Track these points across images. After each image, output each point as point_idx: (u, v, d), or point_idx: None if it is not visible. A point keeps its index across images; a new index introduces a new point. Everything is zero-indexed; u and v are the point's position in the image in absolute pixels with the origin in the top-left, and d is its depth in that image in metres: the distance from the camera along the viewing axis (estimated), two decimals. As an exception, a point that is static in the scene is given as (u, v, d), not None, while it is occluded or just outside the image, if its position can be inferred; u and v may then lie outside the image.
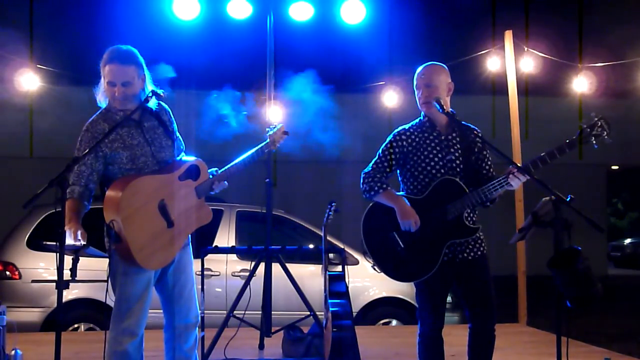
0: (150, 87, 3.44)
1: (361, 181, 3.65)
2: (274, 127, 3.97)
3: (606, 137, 3.42)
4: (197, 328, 3.62)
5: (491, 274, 3.60)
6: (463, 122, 3.54)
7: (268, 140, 3.90)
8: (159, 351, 3.80)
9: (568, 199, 3.03)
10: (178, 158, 3.57)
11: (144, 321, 3.39)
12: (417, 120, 3.70)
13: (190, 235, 3.59)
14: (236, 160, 3.67)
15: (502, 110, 7.30)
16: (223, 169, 3.62)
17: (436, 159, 3.57)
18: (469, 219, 3.56)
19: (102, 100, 3.45)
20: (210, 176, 3.58)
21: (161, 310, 3.58)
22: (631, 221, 29.82)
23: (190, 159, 3.56)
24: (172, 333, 3.53)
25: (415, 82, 3.65)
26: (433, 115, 3.62)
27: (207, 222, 3.57)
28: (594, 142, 3.42)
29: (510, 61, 6.87)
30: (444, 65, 3.69)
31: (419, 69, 3.66)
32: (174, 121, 3.62)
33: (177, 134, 3.65)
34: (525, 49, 6.85)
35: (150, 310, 3.43)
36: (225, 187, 3.64)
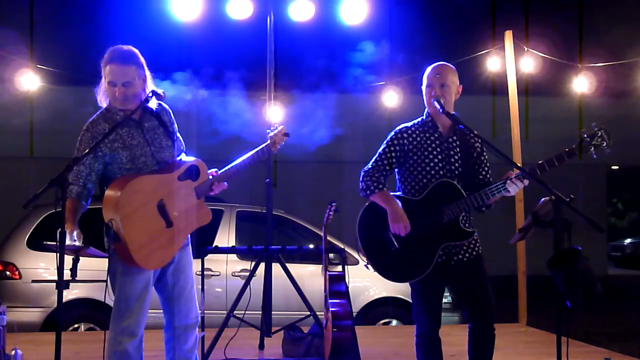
0: (150, 87, 3.44)
1: (360, 179, 3.65)
2: (275, 128, 3.94)
3: (605, 147, 3.45)
4: (197, 328, 3.61)
5: (487, 273, 3.60)
6: (463, 127, 3.54)
7: (269, 141, 3.87)
8: (158, 351, 3.80)
9: (568, 199, 3.04)
10: (178, 158, 3.57)
11: (144, 321, 3.38)
12: (419, 119, 3.70)
13: (190, 236, 3.59)
14: (236, 162, 3.66)
15: (502, 110, 7.30)
16: (223, 170, 3.61)
17: (436, 160, 3.57)
18: (465, 222, 3.56)
19: (102, 100, 3.46)
20: (210, 177, 3.58)
21: (161, 310, 3.58)
22: (631, 221, 29.78)
23: (190, 159, 3.56)
24: (172, 333, 3.53)
25: (427, 80, 3.61)
26: (437, 116, 3.62)
27: (207, 223, 3.57)
28: (593, 152, 3.45)
29: (510, 61, 6.87)
30: (454, 68, 3.69)
31: (433, 67, 3.64)
32: (175, 121, 3.62)
33: (178, 134, 3.65)
34: (525, 49, 6.85)
35: (150, 310, 3.44)
36: (224, 188, 3.64)
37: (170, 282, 3.50)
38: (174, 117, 3.61)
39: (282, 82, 5.69)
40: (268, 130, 3.96)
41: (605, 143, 3.44)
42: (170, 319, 3.53)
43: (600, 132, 3.45)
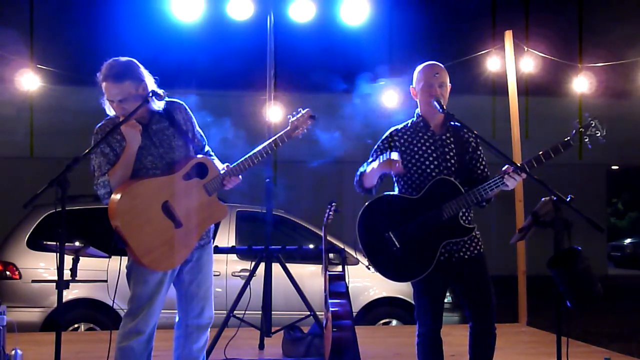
0: (154, 88, 3.41)
1: (355, 181, 3.66)
2: (298, 112, 3.70)
3: (600, 137, 3.46)
4: (209, 329, 3.60)
5: (489, 273, 3.60)
6: (460, 124, 3.54)
7: (289, 127, 3.65)
8: (162, 350, 3.81)
9: (568, 199, 3.04)
10: (201, 154, 3.56)
11: (153, 320, 3.39)
12: (409, 120, 3.71)
13: (212, 234, 3.61)
14: (250, 153, 3.57)
15: (502, 110, 7.30)
16: (234, 164, 3.54)
17: (430, 159, 3.57)
18: (465, 218, 3.55)
19: (109, 109, 3.46)
20: (223, 171, 3.52)
21: (166, 311, 3.57)
22: (631, 221, 29.79)
23: (199, 157, 3.54)
24: (184, 331, 3.53)
25: (424, 80, 3.60)
26: (428, 115, 3.63)
27: (222, 219, 3.57)
28: (588, 142, 3.47)
29: (510, 61, 6.88)
30: None
31: (429, 66, 3.64)
32: (192, 115, 3.59)
33: (197, 129, 3.62)
34: (525, 49, 6.85)
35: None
36: (238, 182, 3.56)
37: (187, 280, 3.50)
38: (191, 112, 3.58)
39: (282, 82, 5.68)
40: (289, 116, 3.75)
41: (599, 133, 3.46)
42: (184, 316, 3.53)
43: (594, 122, 3.47)
